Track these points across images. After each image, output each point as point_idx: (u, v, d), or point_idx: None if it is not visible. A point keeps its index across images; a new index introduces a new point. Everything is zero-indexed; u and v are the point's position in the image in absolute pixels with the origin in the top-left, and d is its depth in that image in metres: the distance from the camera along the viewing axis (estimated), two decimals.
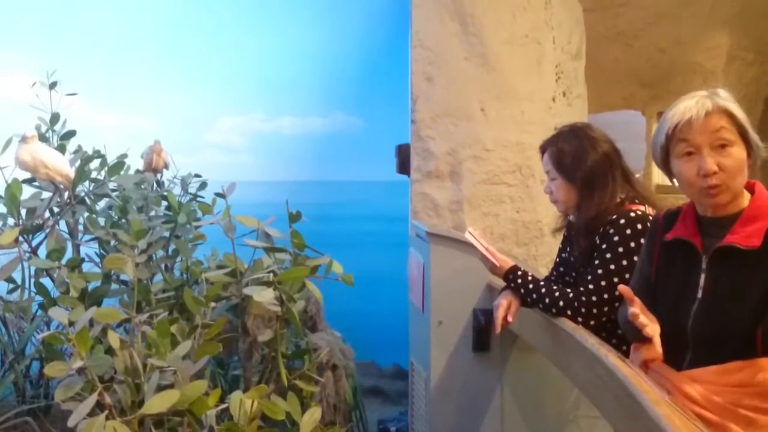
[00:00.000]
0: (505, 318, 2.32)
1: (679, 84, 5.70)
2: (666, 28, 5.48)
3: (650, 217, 2.18)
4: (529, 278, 2.31)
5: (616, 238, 2.15)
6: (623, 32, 5.61)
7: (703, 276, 1.67)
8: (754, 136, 1.64)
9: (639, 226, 2.15)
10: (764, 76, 5.35)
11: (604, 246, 2.17)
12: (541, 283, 2.28)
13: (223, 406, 2.02)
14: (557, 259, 2.56)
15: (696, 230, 1.72)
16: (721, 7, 5.22)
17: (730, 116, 1.62)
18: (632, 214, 2.18)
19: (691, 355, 1.67)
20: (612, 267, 2.13)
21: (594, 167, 2.27)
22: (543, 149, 2.41)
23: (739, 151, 1.62)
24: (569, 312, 2.14)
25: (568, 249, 2.48)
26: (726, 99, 1.65)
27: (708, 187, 1.63)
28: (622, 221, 2.17)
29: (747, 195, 1.67)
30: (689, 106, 1.64)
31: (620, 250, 2.14)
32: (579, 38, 4.21)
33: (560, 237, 2.62)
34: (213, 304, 2.38)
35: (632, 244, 2.13)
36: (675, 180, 1.72)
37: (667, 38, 5.58)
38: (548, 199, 2.51)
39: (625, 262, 2.13)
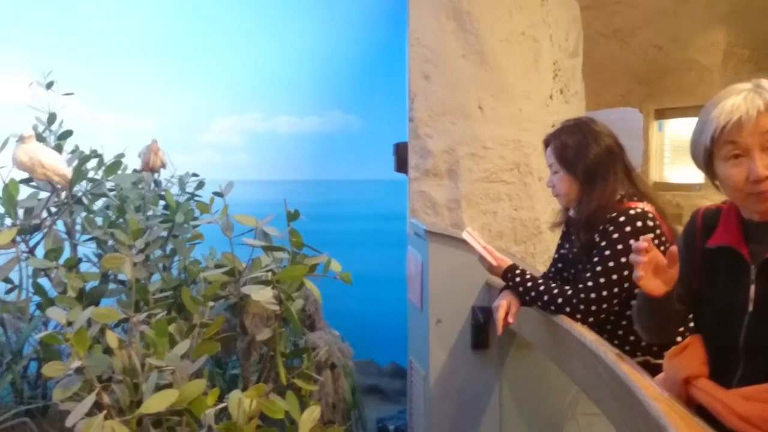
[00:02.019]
0: (505, 319, 2.32)
1: (675, 81, 5.70)
2: (662, 25, 5.48)
3: (649, 215, 2.18)
4: (528, 276, 2.31)
5: (615, 236, 2.15)
6: (620, 29, 5.61)
7: (753, 287, 1.52)
8: None
9: (639, 224, 2.15)
10: (760, 72, 5.34)
11: (603, 243, 2.17)
12: (540, 281, 2.28)
13: (222, 405, 2.02)
14: (555, 256, 2.56)
15: (741, 236, 1.57)
16: (718, 4, 5.23)
17: None
18: (632, 212, 2.18)
19: (743, 371, 1.53)
20: (611, 264, 2.13)
21: (596, 161, 2.28)
22: (547, 142, 2.41)
23: None
24: (568, 309, 2.13)
25: (566, 245, 2.48)
26: None
27: (759, 193, 1.48)
28: (622, 219, 2.17)
29: None
30: (737, 104, 1.48)
31: (619, 247, 2.14)
32: (576, 36, 4.21)
33: (558, 233, 2.62)
34: (211, 304, 2.38)
35: (632, 242, 2.13)
36: (718, 183, 1.58)
37: (663, 35, 5.58)
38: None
39: (624, 260, 2.12)
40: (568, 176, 2.32)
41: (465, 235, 2.48)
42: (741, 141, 1.48)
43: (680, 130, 5.90)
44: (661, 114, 6.01)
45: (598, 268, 2.15)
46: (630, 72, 5.94)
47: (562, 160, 2.33)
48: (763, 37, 5.35)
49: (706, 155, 1.56)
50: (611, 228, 2.17)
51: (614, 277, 2.12)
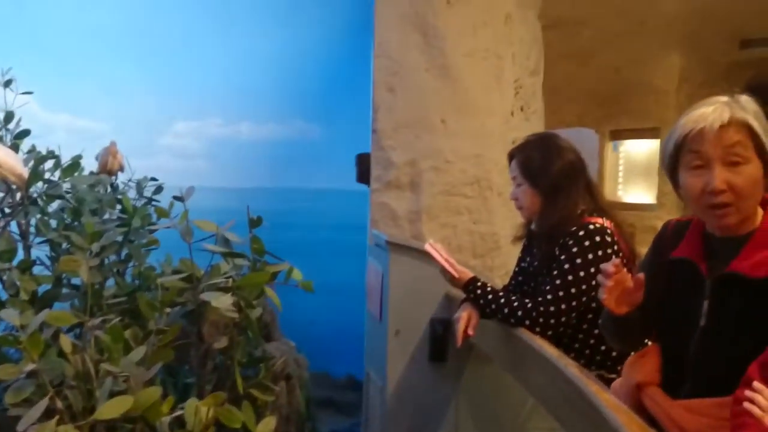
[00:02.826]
0: (465, 331, 2.34)
1: (632, 103, 5.84)
2: (621, 48, 5.62)
3: (608, 230, 2.22)
4: (489, 289, 2.32)
5: (574, 250, 2.19)
6: (579, 51, 5.73)
7: (706, 303, 1.54)
8: None
9: (597, 238, 2.19)
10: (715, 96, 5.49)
11: (562, 257, 2.21)
12: (500, 293, 2.30)
13: (177, 413, 1.98)
14: (516, 269, 2.59)
15: (701, 250, 1.58)
16: (675, 30, 5.37)
17: (749, 130, 1.47)
18: (591, 227, 2.22)
19: (691, 384, 1.57)
20: (570, 278, 2.17)
21: (559, 175, 2.31)
22: (511, 156, 2.45)
23: (753, 170, 1.47)
24: (527, 322, 2.16)
25: (528, 258, 2.50)
26: (746, 109, 1.49)
27: (714, 206, 1.49)
28: (581, 233, 2.20)
29: (761, 213, 1.53)
30: (705, 114, 1.49)
31: (578, 261, 2.17)
32: (537, 55, 4.28)
33: (519, 247, 2.65)
34: (168, 310, 2.33)
35: (590, 256, 2.17)
36: (681, 191, 1.59)
37: (621, 58, 5.71)
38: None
39: (582, 273, 2.16)
40: (531, 189, 2.35)
41: (427, 247, 2.49)
42: (703, 151, 1.48)
43: (635, 151, 6.04)
44: (617, 135, 6.14)
45: (557, 282, 2.18)
46: (587, 92, 6.06)
47: (526, 173, 2.36)
48: (716, 61, 5.52)
49: (671, 162, 1.57)
50: (570, 242, 2.21)
51: (573, 290, 2.16)
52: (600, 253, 2.18)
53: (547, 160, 2.34)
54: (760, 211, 1.53)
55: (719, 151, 1.47)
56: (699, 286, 1.56)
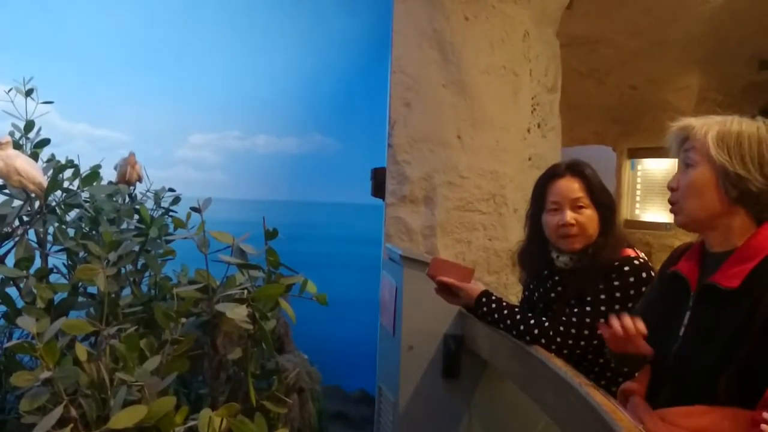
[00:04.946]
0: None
1: (649, 121, 5.81)
2: (638, 66, 5.60)
3: (649, 263, 2.17)
4: (504, 304, 2.30)
5: (616, 283, 2.13)
6: (597, 68, 5.72)
7: (688, 314, 1.62)
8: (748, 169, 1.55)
9: (643, 275, 2.13)
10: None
11: (602, 287, 2.15)
12: (516, 309, 2.28)
13: (190, 424, 1.98)
14: (526, 293, 2.54)
15: (696, 266, 1.66)
16: (693, 49, 5.35)
17: (706, 141, 1.58)
18: (636, 262, 2.16)
19: (667, 393, 1.63)
20: (603, 309, 2.12)
21: (613, 199, 2.28)
22: (561, 174, 2.29)
23: (697, 174, 1.59)
24: (543, 340, 2.13)
25: (540, 290, 2.43)
26: (734, 125, 1.59)
27: (669, 203, 1.67)
28: (627, 268, 2.15)
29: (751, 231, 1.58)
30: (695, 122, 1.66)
31: (617, 295, 2.13)
32: (555, 72, 4.28)
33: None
34: (183, 320, 2.34)
35: (631, 292, 2.12)
36: None
37: (639, 76, 5.69)
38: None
39: (618, 307, 2.10)
40: (594, 213, 2.25)
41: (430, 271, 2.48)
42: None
43: (653, 169, 6.00)
44: (634, 153, 6.11)
45: (588, 309, 2.14)
46: (605, 110, 6.04)
47: (592, 195, 2.25)
48: (734, 83, 5.49)
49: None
50: (614, 275, 2.15)
51: (603, 321, 2.11)
52: (644, 289, 2.11)
53: (602, 182, 2.27)
54: (750, 229, 1.58)
55: (681, 154, 1.65)
56: (686, 298, 1.64)
